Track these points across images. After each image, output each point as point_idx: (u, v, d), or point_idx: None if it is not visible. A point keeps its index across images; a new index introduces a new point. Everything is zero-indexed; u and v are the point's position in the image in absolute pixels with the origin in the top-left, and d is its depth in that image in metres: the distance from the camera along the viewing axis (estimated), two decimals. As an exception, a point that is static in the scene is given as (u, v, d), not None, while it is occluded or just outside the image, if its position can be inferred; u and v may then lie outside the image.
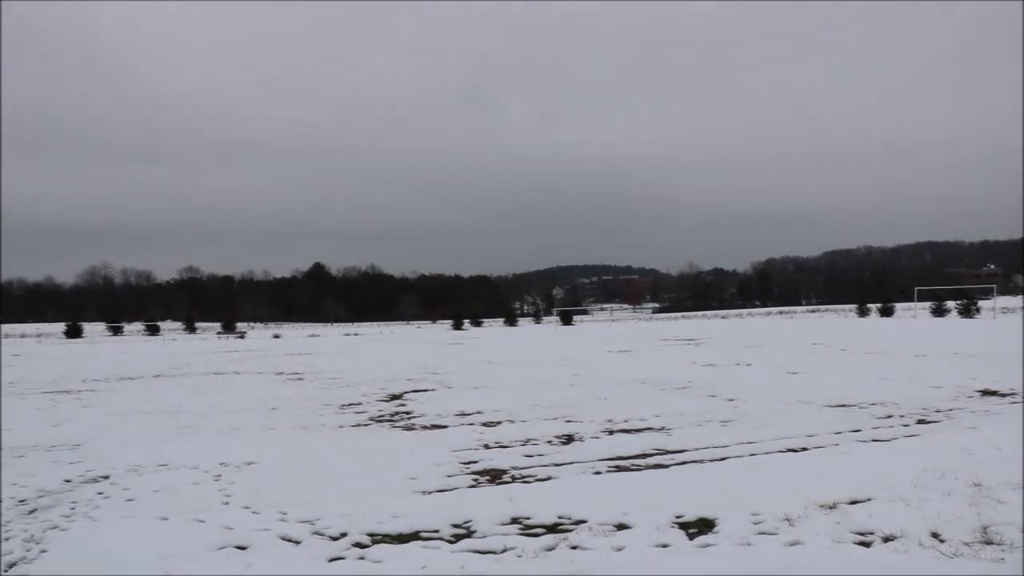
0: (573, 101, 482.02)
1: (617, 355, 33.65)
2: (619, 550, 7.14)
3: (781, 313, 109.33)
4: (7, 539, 8.12)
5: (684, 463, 10.93)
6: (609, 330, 67.46)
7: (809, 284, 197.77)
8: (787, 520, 7.74)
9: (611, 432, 13.66)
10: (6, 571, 7.14)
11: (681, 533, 7.58)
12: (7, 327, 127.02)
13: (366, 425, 15.56)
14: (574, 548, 7.26)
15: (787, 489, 8.92)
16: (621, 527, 7.82)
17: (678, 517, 8.08)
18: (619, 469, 10.71)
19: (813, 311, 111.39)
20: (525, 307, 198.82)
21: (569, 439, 13.13)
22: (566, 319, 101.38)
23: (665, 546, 7.22)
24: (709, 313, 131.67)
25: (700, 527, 7.77)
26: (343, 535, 7.90)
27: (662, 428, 13.91)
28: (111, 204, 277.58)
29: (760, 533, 7.44)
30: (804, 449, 11.57)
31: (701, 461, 10.99)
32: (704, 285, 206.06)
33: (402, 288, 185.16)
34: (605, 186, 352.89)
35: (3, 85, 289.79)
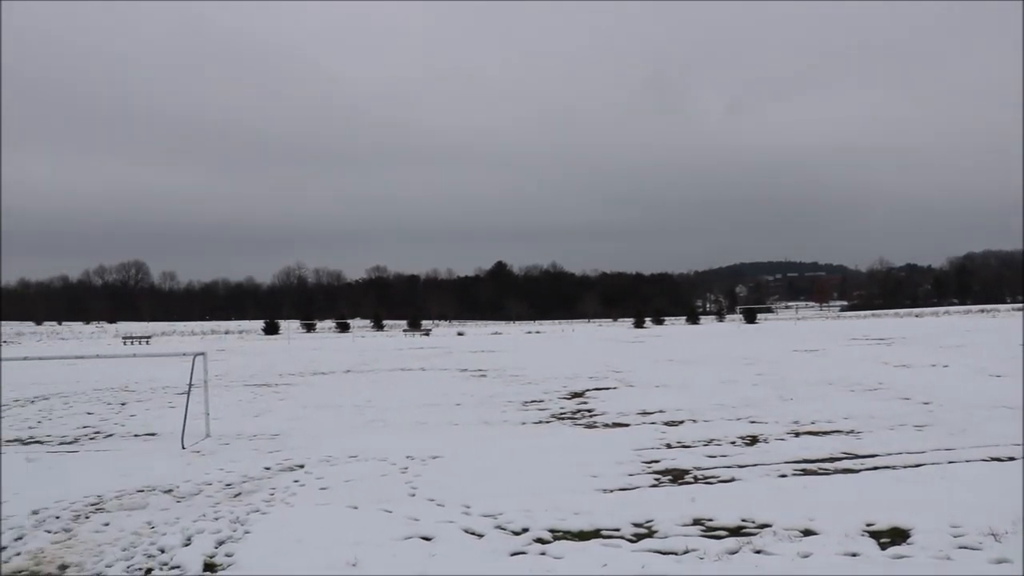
0: (759, 90, 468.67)
1: (803, 354, 32.58)
2: (805, 557, 6.93)
3: (982, 312, 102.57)
4: (217, 518, 8.73)
5: (875, 468, 10.48)
6: (795, 329, 65.41)
7: (1015, 280, 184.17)
8: (992, 535, 7.27)
9: (797, 434, 13.27)
10: (216, 548, 7.69)
11: (872, 542, 7.27)
12: (212, 324, 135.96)
13: (548, 422, 15.73)
14: (758, 552, 7.10)
15: (991, 501, 8.39)
16: (807, 533, 7.59)
17: (869, 525, 7.75)
18: (805, 473, 10.40)
19: (1019, 309, 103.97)
20: (707, 305, 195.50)
21: (753, 440, 12.84)
22: (750, 317, 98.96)
23: (855, 555, 6.95)
24: (901, 311, 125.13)
25: (893, 537, 7.43)
26: (525, 530, 8.03)
27: (851, 431, 13.38)
28: (305, 208, 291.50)
29: (961, 547, 7.03)
30: (1011, 459, 10.84)
31: (894, 467, 10.50)
32: (896, 282, 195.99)
33: (583, 286, 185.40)
34: (791, 179, 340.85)
35: (213, 102, 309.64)
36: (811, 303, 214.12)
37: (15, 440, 15.06)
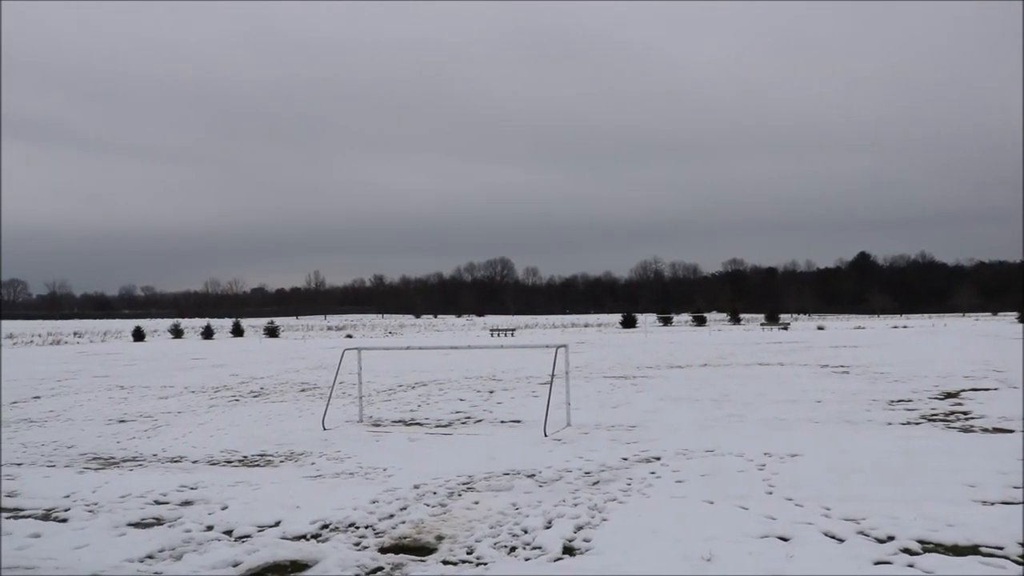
0: None
1: None
2: None
3: None
4: (576, 504, 9.08)
5: None
6: None
7: None
8: None
9: None
10: (574, 532, 8.02)
11: None
12: (572, 317, 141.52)
13: (917, 423, 14.66)
14: None
15: None
16: None
17: None
18: None
19: None
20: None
21: None
22: None
23: None
24: None
25: None
26: (890, 538, 7.55)
27: None
28: (661, 202, 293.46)
29: None
30: None
31: None
32: None
33: (956, 277, 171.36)
34: None
35: (568, 103, 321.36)
36: None
37: (399, 421, 16.68)
